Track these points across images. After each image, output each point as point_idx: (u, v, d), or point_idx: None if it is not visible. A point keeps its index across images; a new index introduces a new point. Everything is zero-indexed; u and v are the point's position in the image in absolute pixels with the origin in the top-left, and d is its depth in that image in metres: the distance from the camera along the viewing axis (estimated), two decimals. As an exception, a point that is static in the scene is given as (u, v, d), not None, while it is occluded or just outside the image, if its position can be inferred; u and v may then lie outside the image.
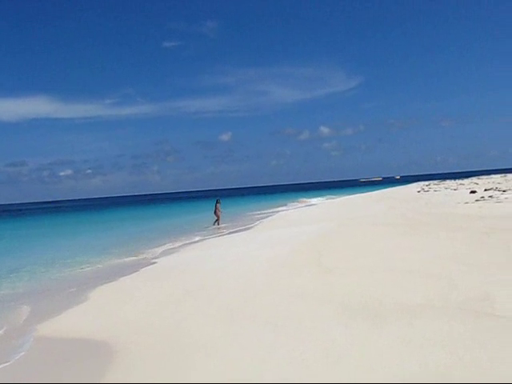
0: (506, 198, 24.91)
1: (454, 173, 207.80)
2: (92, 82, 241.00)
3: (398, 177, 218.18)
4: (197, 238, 22.26)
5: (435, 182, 76.84)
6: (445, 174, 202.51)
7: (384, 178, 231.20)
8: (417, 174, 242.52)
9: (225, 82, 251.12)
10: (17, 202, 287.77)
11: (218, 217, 30.12)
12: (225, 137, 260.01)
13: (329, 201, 49.96)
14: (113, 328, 7.78)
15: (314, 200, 56.89)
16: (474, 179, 66.67)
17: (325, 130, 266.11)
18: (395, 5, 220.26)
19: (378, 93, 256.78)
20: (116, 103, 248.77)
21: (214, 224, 29.58)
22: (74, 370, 6.17)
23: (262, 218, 31.26)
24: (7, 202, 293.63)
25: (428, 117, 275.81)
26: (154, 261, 15.45)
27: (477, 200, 25.76)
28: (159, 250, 18.95)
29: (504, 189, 33.60)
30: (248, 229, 24.38)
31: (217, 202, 30.66)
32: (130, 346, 6.79)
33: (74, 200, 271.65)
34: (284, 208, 42.86)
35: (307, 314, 7.22)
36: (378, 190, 68.70)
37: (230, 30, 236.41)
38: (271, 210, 41.07)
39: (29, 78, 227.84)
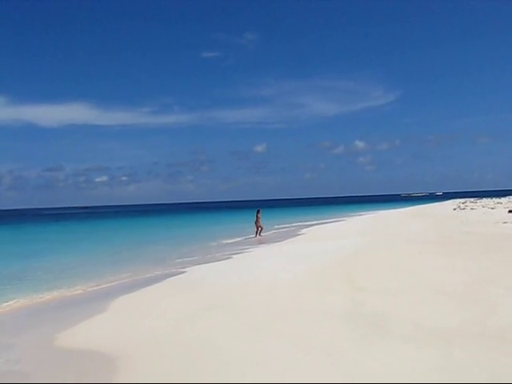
0: (547, 219, 23.98)
1: (491, 191, 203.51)
2: (131, 90, 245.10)
3: (440, 193, 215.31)
4: (229, 249, 22.07)
5: (471, 199, 75.10)
6: (482, 191, 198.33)
7: (426, 193, 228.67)
8: (454, 190, 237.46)
9: (263, 93, 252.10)
10: (53, 206, 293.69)
11: (258, 227, 29.80)
12: (260, 148, 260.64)
13: (365, 215, 49.22)
14: (122, 341, 7.44)
15: (350, 214, 56.23)
16: (513, 198, 64.88)
17: (360, 144, 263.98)
18: (436, 22, 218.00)
19: (416, 108, 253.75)
20: (154, 112, 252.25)
21: (255, 235, 29.21)
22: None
23: (296, 232, 30.99)
24: (44, 206, 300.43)
25: (466, 133, 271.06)
26: (182, 271, 15.27)
27: (516, 220, 24.88)
28: (189, 260, 18.81)
29: (544, 209, 32.43)
30: (281, 242, 24.15)
31: (257, 213, 30.34)
32: (137, 361, 6.44)
33: (109, 206, 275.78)
34: (319, 221, 42.41)
35: (335, 336, 6.88)
36: (414, 205, 67.74)
37: (270, 42, 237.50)
38: (305, 223, 40.83)
39: (69, 85, 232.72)
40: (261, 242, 24.78)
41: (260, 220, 29.98)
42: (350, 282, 10.70)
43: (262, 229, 29.82)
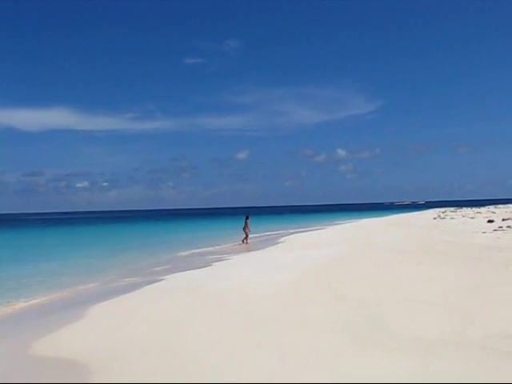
0: (526, 229, 24.28)
1: (471, 200, 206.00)
2: (114, 96, 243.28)
3: (423, 202, 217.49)
4: (209, 257, 22.00)
5: (451, 209, 75.91)
6: (462, 201, 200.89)
7: (409, 202, 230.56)
8: (435, 199, 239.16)
9: (245, 100, 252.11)
10: (33, 211, 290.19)
11: (246, 234, 30.01)
12: (242, 155, 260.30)
13: (346, 224, 49.43)
14: (99, 348, 7.27)
15: (331, 223, 56.46)
16: (491, 208, 65.69)
17: (342, 152, 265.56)
18: (416, 31, 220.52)
19: (397, 117, 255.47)
20: (136, 118, 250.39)
21: (242, 241, 29.44)
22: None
23: (276, 240, 31.03)
24: (24, 211, 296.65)
25: (445, 142, 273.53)
26: (160, 278, 15.12)
27: (495, 230, 25.15)
28: (168, 267, 18.70)
29: (523, 219, 32.85)
30: (261, 250, 24.20)
31: (246, 219, 30.47)
32: (112, 368, 6.27)
33: (90, 212, 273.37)
34: (299, 230, 42.47)
35: (314, 344, 6.82)
36: (396, 214, 68.22)
37: (253, 50, 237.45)
38: (286, 231, 40.86)
39: (51, 89, 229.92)
40: (243, 250, 24.71)
41: (248, 226, 30.11)
42: (330, 291, 10.66)
43: (247, 235, 30.02)
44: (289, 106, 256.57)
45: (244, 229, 30.21)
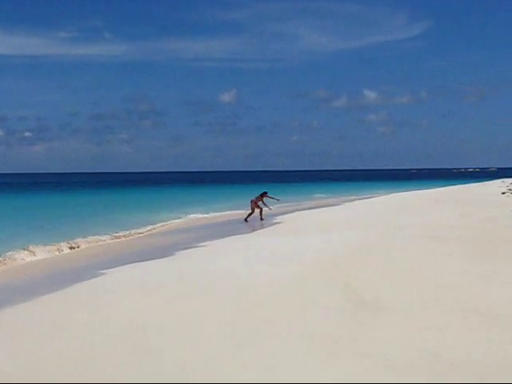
0: None
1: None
2: (43, 8, 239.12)
3: (494, 168, 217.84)
4: (174, 243, 22.35)
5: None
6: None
7: (476, 169, 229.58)
8: (508, 166, 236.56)
9: (234, 17, 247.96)
10: None
11: (253, 210, 32.31)
12: (227, 97, 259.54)
13: (372, 199, 49.59)
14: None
15: (353, 196, 57.10)
16: None
17: (371, 94, 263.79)
18: None
19: (450, 46, 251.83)
20: (74, 38, 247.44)
21: (246, 219, 32.02)
22: None
23: (272, 219, 31.49)
24: None
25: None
26: (99, 273, 15.32)
27: None
28: (112, 256, 18.73)
29: None
30: (249, 234, 24.51)
31: (263, 194, 32.64)
32: None
33: (4, 175, 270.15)
34: (306, 207, 42.52)
35: (323, 375, 6.86)
36: (448, 185, 68.39)
37: None
38: (288, 207, 41.30)
39: None
40: (227, 233, 24.92)
41: (261, 203, 32.27)
42: (348, 294, 10.78)
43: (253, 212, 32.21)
44: (295, 26, 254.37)
45: (253, 202, 32.25)
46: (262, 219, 31.71)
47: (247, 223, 30.93)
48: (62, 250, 22.37)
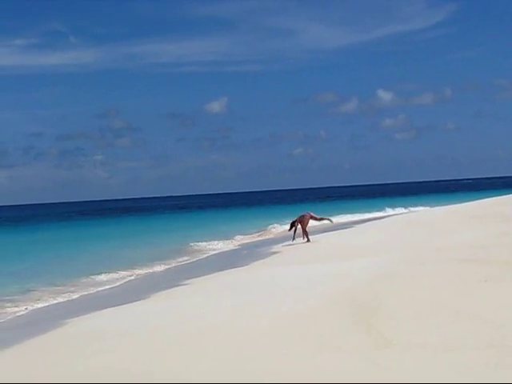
0: None
1: None
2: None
3: None
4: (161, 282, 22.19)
5: None
6: None
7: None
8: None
9: (222, 12, 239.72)
10: None
11: (296, 229, 30.95)
12: (216, 106, 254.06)
13: (393, 218, 49.65)
14: None
15: (365, 216, 57.16)
16: None
17: (386, 95, 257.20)
18: None
19: (478, 34, 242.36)
20: (34, 46, 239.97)
21: (298, 239, 30.44)
22: None
23: (272, 246, 31.28)
24: None
25: None
26: (62, 322, 15.04)
27: None
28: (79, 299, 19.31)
29: None
30: (250, 264, 23.86)
31: (308, 217, 31.38)
32: None
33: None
34: (320, 227, 41.57)
35: None
36: (478, 199, 67.67)
37: None
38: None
39: None
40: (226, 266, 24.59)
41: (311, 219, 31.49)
42: (367, 334, 10.35)
43: (306, 233, 31.05)
44: (296, 19, 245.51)
45: (297, 222, 31.08)
46: (308, 240, 30.32)
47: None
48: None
